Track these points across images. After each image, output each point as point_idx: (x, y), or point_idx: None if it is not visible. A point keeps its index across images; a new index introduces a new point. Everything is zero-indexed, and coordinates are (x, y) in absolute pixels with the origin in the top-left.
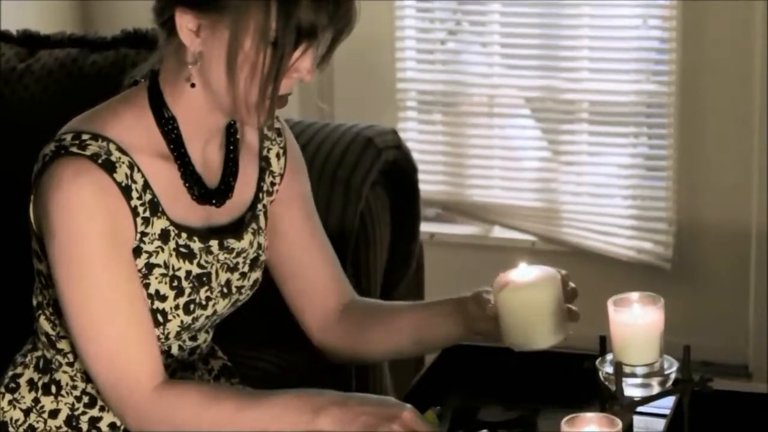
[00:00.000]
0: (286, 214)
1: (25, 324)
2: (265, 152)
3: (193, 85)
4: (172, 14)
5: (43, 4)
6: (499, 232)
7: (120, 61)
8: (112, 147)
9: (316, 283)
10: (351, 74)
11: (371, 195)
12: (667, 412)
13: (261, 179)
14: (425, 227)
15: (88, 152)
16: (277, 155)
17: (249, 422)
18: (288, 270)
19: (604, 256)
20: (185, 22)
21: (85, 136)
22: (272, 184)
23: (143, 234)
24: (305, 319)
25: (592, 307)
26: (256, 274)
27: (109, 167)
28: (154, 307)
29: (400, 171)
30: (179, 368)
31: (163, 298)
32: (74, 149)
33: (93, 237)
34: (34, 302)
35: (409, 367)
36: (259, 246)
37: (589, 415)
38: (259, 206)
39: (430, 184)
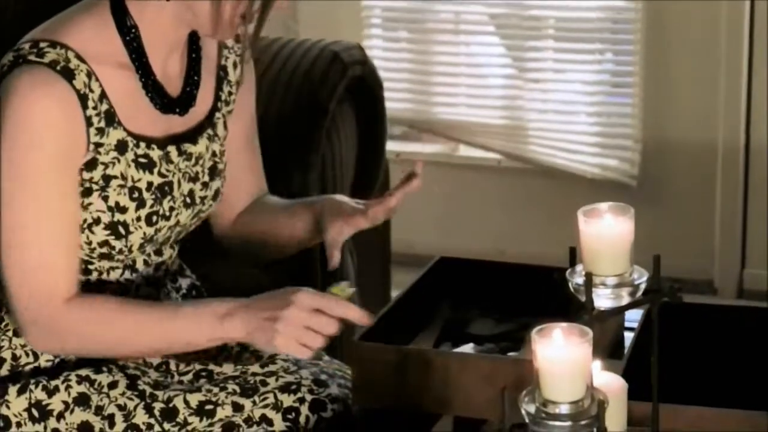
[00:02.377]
0: (232, 128)
1: None
2: (223, 61)
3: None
4: None
5: None
6: (464, 151)
7: None
8: (70, 54)
9: (238, 197)
10: None
11: (338, 111)
12: (634, 325)
13: (219, 88)
14: (391, 146)
15: (46, 60)
16: (234, 64)
17: (158, 332)
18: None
19: (569, 174)
20: None
21: (43, 44)
22: (230, 93)
23: (97, 144)
24: (216, 222)
25: (558, 224)
26: (217, 184)
27: (68, 74)
28: (115, 219)
29: (366, 87)
30: (144, 284)
31: (123, 210)
32: (32, 57)
33: (46, 148)
34: None
35: (376, 284)
36: (215, 153)
37: (561, 325)
38: (217, 114)
39: (395, 102)
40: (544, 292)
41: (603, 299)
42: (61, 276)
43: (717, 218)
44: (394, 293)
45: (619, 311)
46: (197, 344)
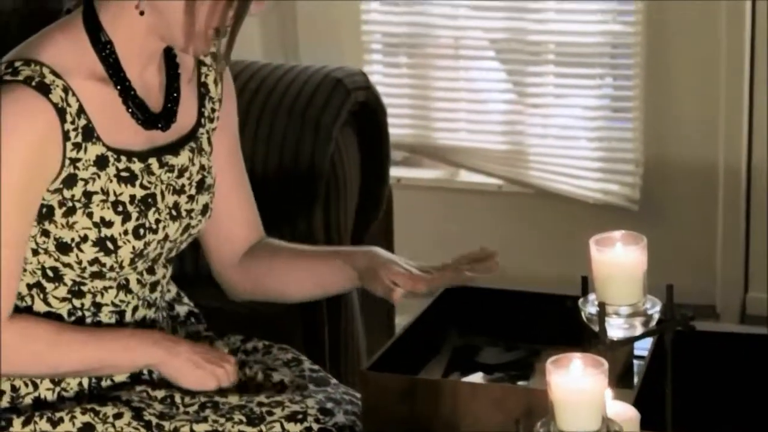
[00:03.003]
0: (215, 143)
1: None
2: (203, 78)
3: (142, 13)
4: None
5: None
6: (465, 176)
7: None
8: (45, 70)
9: (230, 222)
10: (315, 17)
11: (341, 137)
12: (643, 353)
13: (201, 105)
14: (392, 171)
15: (20, 77)
16: (215, 81)
17: (90, 355)
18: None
19: (571, 199)
20: None
21: (17, 63)
22: (213, 110)
23: (74, 160)
24: (213, 256)
25: (560, 249)
26: (205, 198)
27: (44, 89)
28: (102, 234)
29: (370, 112)
30: (141, 305)
31: (109, 225)
32: (7, 77)
33: (17, 165)
34: None
35: (381, 310)
36: (203, 167)
37: (576, 355)
38: (201, 130)
39: (396, 127)
40: (552, 319)
41: (616, 329)
42: (6, 292)
43: (719, 242)
44: (398, 319)
45: (632, 341)
46: (122, 361)
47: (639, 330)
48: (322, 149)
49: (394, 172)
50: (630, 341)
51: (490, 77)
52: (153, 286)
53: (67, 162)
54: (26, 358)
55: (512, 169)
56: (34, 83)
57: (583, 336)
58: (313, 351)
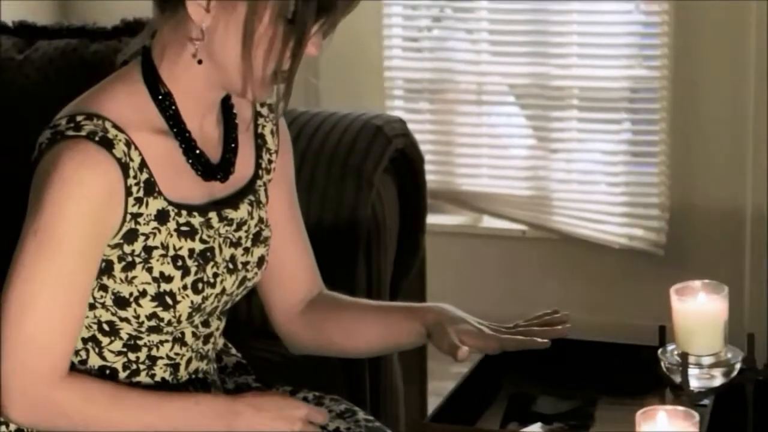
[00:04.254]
0: (272, 194)
1: None
2: (260, 129)
3: (200, 62)
4: None
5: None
6: (488, 221)
7: (122, 49)
8: (107, 125)
9: (290, 274)
10: (337, 62)
11: (381, 184)
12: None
13: (259, 156)
14: None
15: (84, 132)
16: (272, 132)
17: (149, 422)
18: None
19: (595, 244)
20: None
21: (79, 118)
22: (269, 161)
23: (136, 215)
24: (274, 308)
25: (586, 294)
26: (261, 250)
27: (107, 144)
28: (161, 289)
29: (408, 160)
30: (195, 357)
31: (168, 279)
32: (70, 132)
33: (79, 222)
34: None
35: (413, 359)
36: (261, 220)
37: (666, 408)
38: (259, 182)
39: None
40: (608, 368)
41: (694, 379)
42: (55, 354)
43: (746, 287)
44: (431, 364)
45: (716, 391)
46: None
47: (719, 380)
48: (363, 197)
49: None
50: (713, 392)
51: (512, 122)
52: (206, 339)
53: (129, 217)
54: (80, 419)
55: (535, 214)
56: (97, 138)
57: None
58: (356, 401)
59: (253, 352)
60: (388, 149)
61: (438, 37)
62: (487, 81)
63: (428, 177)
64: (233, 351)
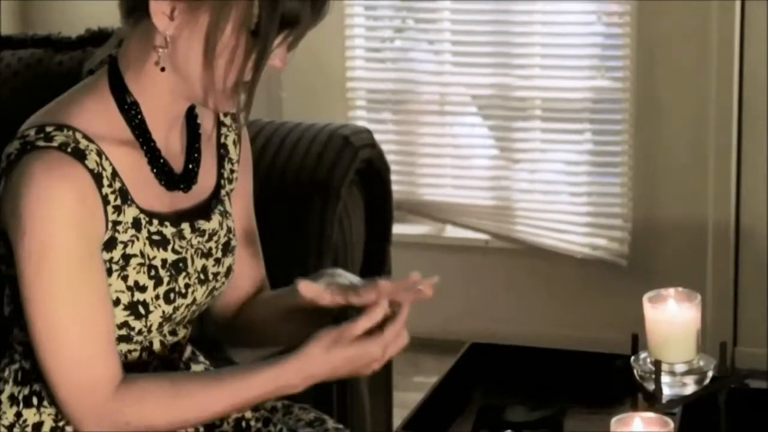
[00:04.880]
0: (233, 202)
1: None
2: (222, 139)
3: (163, 69)
4: None
5: None
6: (452, 231)
7: (88, 60)
8: (78, 135)
9: (240, 279)
10: (300, 74)
11: (347, 195)
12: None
13: (221, 166)
14: None
15: (55, 143)
16: (234, 142)
17: (221, 408)
18: None
19: (558, 254)
20: (160, 6)
21: (49, 128)
22: (231, 171)
23: (116, 223)
24: (216, 304)
25: (548, 304)
26: (229, 260)
27: (80, 155)
28: (135, 299)
29: (374, 170)
30: (160, 366)
31: (143, 289)
32: (40, 143)
33: (65, 235)
34: (6, 311)
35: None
36: (229, 230)
37: (642, 414)
38: (222, 192)
39: None
40: (574, 377)
41: (667, 387)
42: (101, 367)
43: (708, 297)
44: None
45: (689, 399)
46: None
47: (691, 388)
48: (330, 209)
49: None
50: (686, 399)
51: (475, 133)
52: (174, 347)
53: (110, 225)
54: (142, 423)
55: (499, 224)
56: (69, 149)
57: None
58: (323, 411)
59: (221, 362)
60: (355, 160)
61: (400, 47)
62: (450, 92)
63: (392, 187)
64: (201, 359)
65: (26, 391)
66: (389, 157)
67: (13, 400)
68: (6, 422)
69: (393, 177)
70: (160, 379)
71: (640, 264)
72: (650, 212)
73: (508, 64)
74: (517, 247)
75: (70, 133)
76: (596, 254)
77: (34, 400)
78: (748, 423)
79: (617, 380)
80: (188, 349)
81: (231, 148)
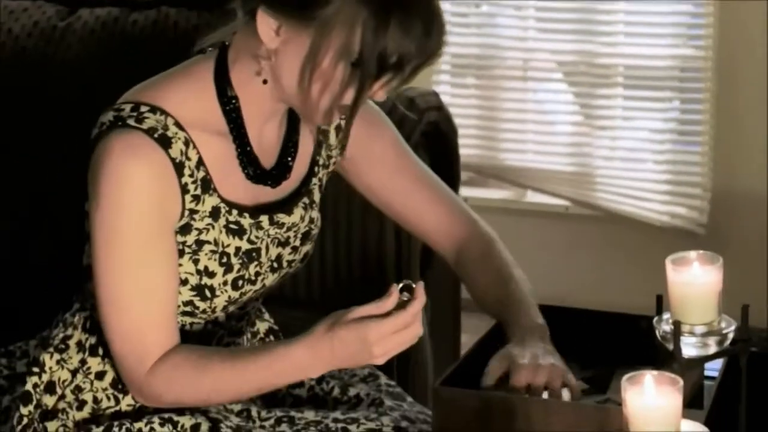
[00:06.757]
0: (378, 174)
1: (73, 281)
2: (324, 126)
3: (265, 82)
4: (256, 6)
5: None
6: (532, 197)
7: (161, 21)
8: (169, 121)
9: (433, 224)
10: None
11: None
12: (714, 374)
13: (317, 153)
14: (460, 191)
15: (144, 126)
16: (337, 128)
17: (245, 382)
18: (404, 218)
19: (637, 221)
20: (267, 20)
21: (143, 108)
22: (329, 157)
23: (192, 211)
24: (443, 254)
25: (626, 270)
26: (307, 248)
27: (165, 142)
28: (203, 282)
29: (441, 133)
30: (227, 334)
31: (211, 275)
32: (131, 122)
33: (137, 214)
34: (85, 262)
35: (447, 329)
36: (311, 221)
37: (651, 373)
38: (314, 180)
39: (463, 147)
40: (626, 339)
41: (690, 348)
42: (155, 341)
43: None
44: (464, 338)
45: (708, 360)
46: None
47: (713, 349)
48: None
49: (460, 191)
50: (705, 360)
51: (558, 99)
52: (240, 318)
53: (186, 212)
54: (173, 398)
55: (579, 190)
56: (156, 135)
57: (657, 356)
58: (382, 369)
59: (284, 319)
60: (420, 122)
61: (486, 13)
62: (534, 57)
63: (473, 152)
64: (266, 316)
65: (93, 340)
66: (471, 122)
67: (80, 346)
68: (71, 367)
69: (475, 141)
70: (192, 355)
71: (717, 233)
72: (729, 182)
73: (592, 31)
74: (597, 214)
75: (162, 117)
76: (674, 222)
77: (100, 350)
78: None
79: (645, 341)
80: (256, 306)
81: (331, 134)
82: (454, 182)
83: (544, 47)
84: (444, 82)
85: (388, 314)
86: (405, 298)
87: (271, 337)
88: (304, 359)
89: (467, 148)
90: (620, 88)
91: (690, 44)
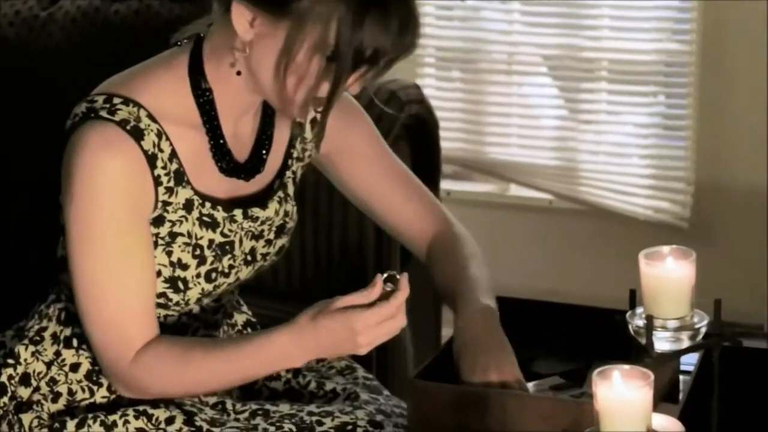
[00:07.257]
0: (353, 168)
1: (49, 272)
2: (299, 119)
3: (239, 73)
4: None
5: None
6: (516, 190)
7: (143, 11)
8: (142, 113)
9: (406, 221)
10: None
11: (393, 150)
12: (689, 368)
13: (291, 146)
14: (442, 185)
15: (117, 117)
16: (312, 121)
17: (228, 372)
18: (377, 213)
19: (621, 215)
20: (242, 11)
21: (116, 100)
22: (304, 150)
23: (166, 203)
24: (415, 251)
25: (609, 265)
26: (282, 241)
27: (137, 134)
28: (176, 274)
29: (422, 126)
30: (202, 327)
31: (184, 267)
32: (104, 113)
33: (111, 206)
34: (59, 253)
35: (428, 322)
36: (286, 214)
37: (622, 367)
38: (288, 173)
39: (447, 141)
40: (604, 333)
41: (663, 342)
42: (134, 332)
43: None
44: (445, 331)
45: (680, 354)
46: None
47: (686, 344)
48: None
49: (444, 185)
50: (677, 355)
51: (542, 93)
52: (216, 310)
53: (160, 204)
54: (159, 390)
55: (563, 185)
56: (128, 127)
57: (631, 350)
58: (361, 361)
59: (261, 311)
60: (400, 115)
61: (471, 6)
62: (518, 51)
63: (458, 145)
64: (244, 308)
65: (68, 332)
66: (456, 115)
67: (54, 338)
68: (46, 359)
69: (459, 135)
70: (175, 346)
71: (701, 227)
72: (713, 176)
73: (577, 25)
74: (581, 208)
75: (135, 109)
76: (658, 217)
77: (74, 342)
78: (741, 381)
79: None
80: (233, 299)
81: (307, 127)
82: (434, 175)
83: (529, 41)
84: (429, 75)
85: (371, 304)
86: (389, 289)
87: (249, 330)
88: (288, 348)
89: (451, 142)
90: (605, 83)
91: (675, 39)
